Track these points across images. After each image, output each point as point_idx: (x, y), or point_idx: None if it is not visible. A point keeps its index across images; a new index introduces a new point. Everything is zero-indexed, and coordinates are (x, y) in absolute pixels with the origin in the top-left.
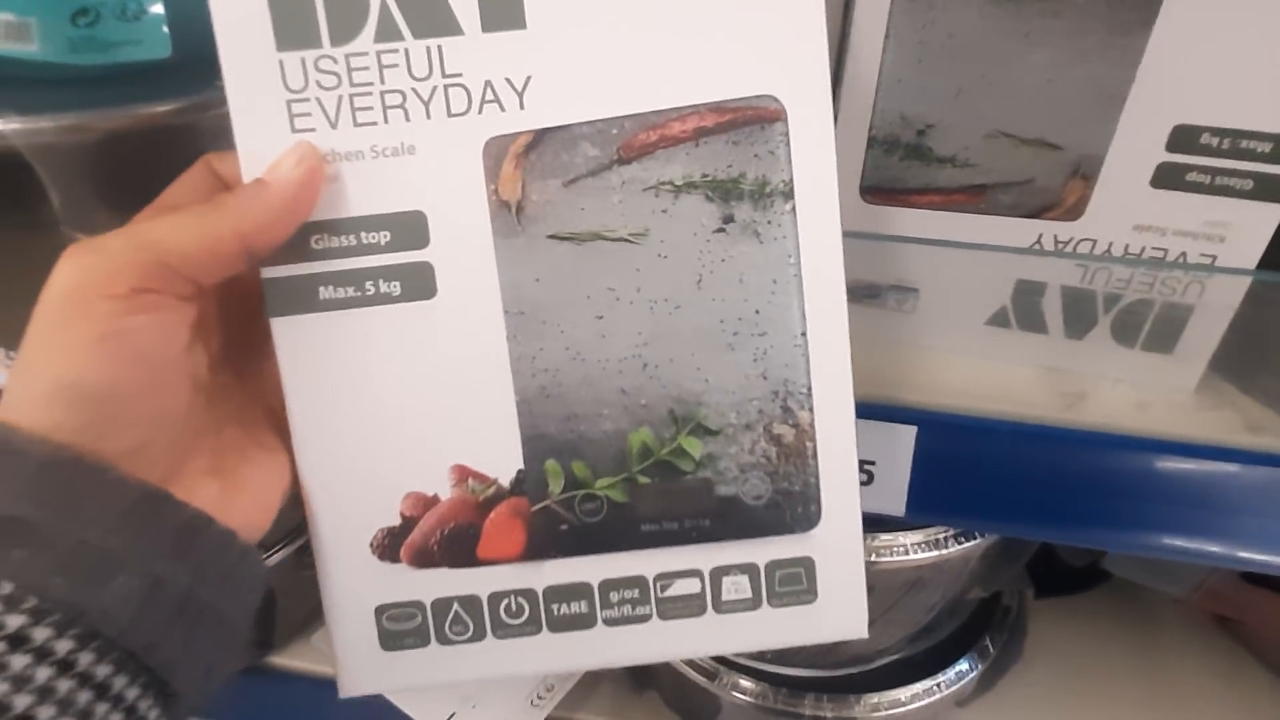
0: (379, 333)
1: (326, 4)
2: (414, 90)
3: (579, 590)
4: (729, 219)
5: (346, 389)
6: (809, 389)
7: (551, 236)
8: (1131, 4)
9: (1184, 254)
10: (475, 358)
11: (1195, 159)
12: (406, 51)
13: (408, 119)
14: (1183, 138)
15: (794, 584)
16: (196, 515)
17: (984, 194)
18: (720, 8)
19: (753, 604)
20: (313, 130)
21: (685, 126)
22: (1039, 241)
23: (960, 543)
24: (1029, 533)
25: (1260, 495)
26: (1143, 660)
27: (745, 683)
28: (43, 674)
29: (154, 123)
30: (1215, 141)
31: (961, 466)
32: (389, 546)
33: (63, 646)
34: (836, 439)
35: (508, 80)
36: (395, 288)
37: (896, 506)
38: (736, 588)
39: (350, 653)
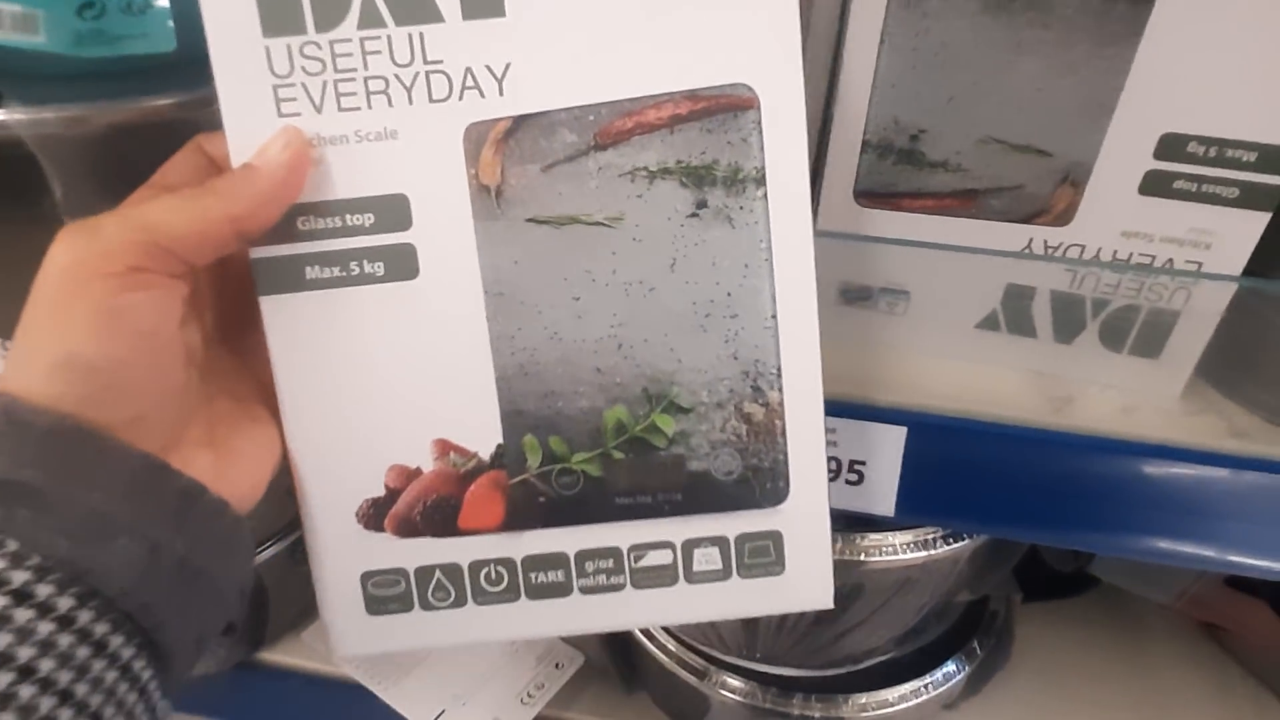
0: (363, 311)
1: None
2: (396, 76)
3: (556, 560)
4: (702, 204)
5: (332, 365)
6: (778, 370)
7: (530, 220)
8: (1120, 15)
9: (1170, 260)
10: (456, 336)
11: (1182, 167)
12: (389, 38)
13: (390, 104)
14: (1170, 146)
15: (763, 556)
16: (191, 484)
17: (975, 199)
18: None
19: (723, 575)
20: (298, 115)
21: (660, 114)
22: (1029, 246)
23: (949, 544)
24: (1016, 534)
25: (1243, 500)
26: (1128, 666)
27: (734, 682)
28: (45, 628)
29: (157, 116)
30: (1202, 150)
31: (951, 468)
32: (374, 516)
33: (64, 603)
34: (805, 418)
35: (488, 67)
36: (379, 268)
37: (886, 507)
38: (707, 559)
39: (338, 617)
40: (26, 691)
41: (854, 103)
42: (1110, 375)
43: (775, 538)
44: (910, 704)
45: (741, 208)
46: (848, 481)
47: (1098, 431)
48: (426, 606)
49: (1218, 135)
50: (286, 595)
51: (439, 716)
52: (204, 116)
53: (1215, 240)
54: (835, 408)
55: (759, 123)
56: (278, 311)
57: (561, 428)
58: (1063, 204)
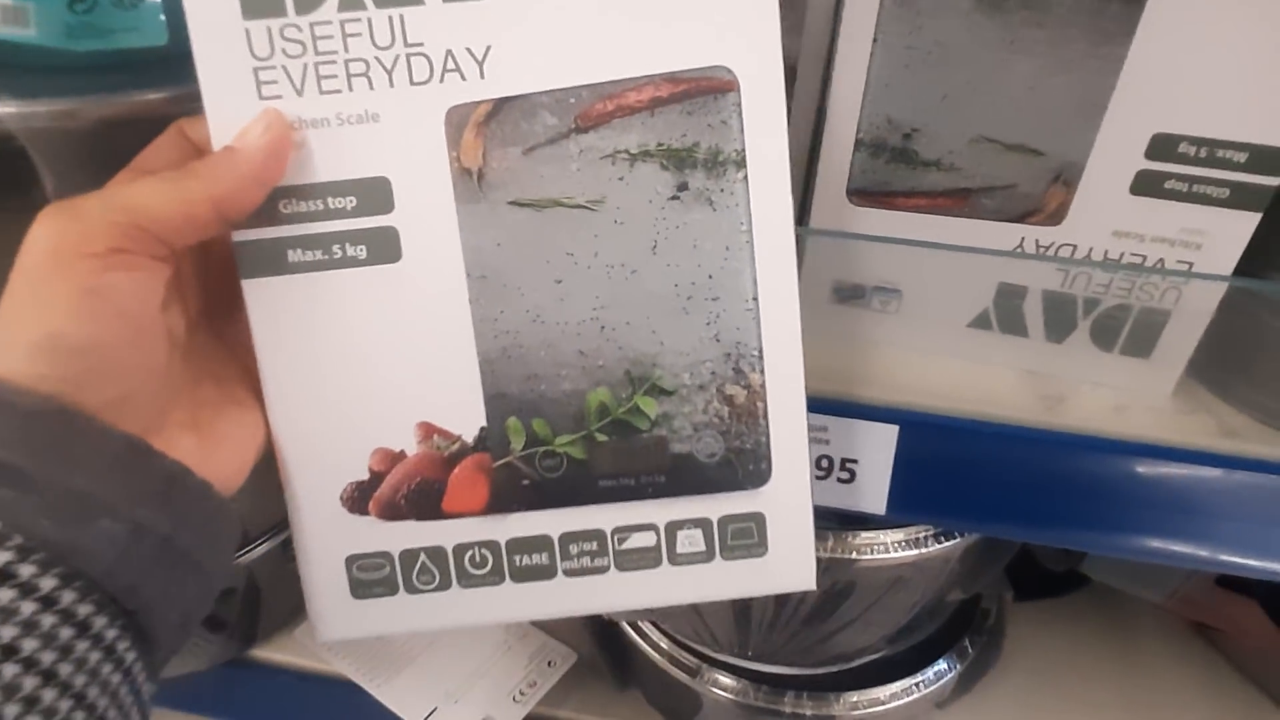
0: (346, 294)
1: None
2: (377, 59)
3: (540, 542)
4: (683, 187)
5: (315, 348)
6: (760, 351)
7: (512, 203)
8: (1113, 15)
9: (1161, 260)
10: (439, 319)
11: (1173, 167)
12: (369, 21)
13: (371, 87)
14: (1161, 146)
15: (745, 538)
16: (175, 466)
17: (968, 198)
18: None
19: (706, 556)
20: (279, 98)
21: (641, 96)
22: (1021, 246)
23: (941, 542)
24: (1008, 532)
25: (1234, 499)
26: (1120, 665)
27: (726, 679)
28: (28, 608)
29: (149, 110)
30: (1193, 150)
31: (942, 466)
32: (358, 500)
33: (46, 584)
34: (786, 400)
35: (468, 50)
36: (361, 251)
37: (878, 505)
38: (690, 541)
39: (323, 601)
40: (10, 671)
41: (847, 101)
42: (1102, 374)
43: (758, 519)
44: (902, 702)
45: (722, 190)
46: (839, 480)
47: (1089, 430)
48: (411, 590)
49: (1209, 136)
50: (279, 592)
51: (431, 714)
52: (195, 110)
53: (1206, 240)
54: (827, 406)
55: (739, 105)
56: (260, 295)
57: (545, 410)
58: (1055, 203)
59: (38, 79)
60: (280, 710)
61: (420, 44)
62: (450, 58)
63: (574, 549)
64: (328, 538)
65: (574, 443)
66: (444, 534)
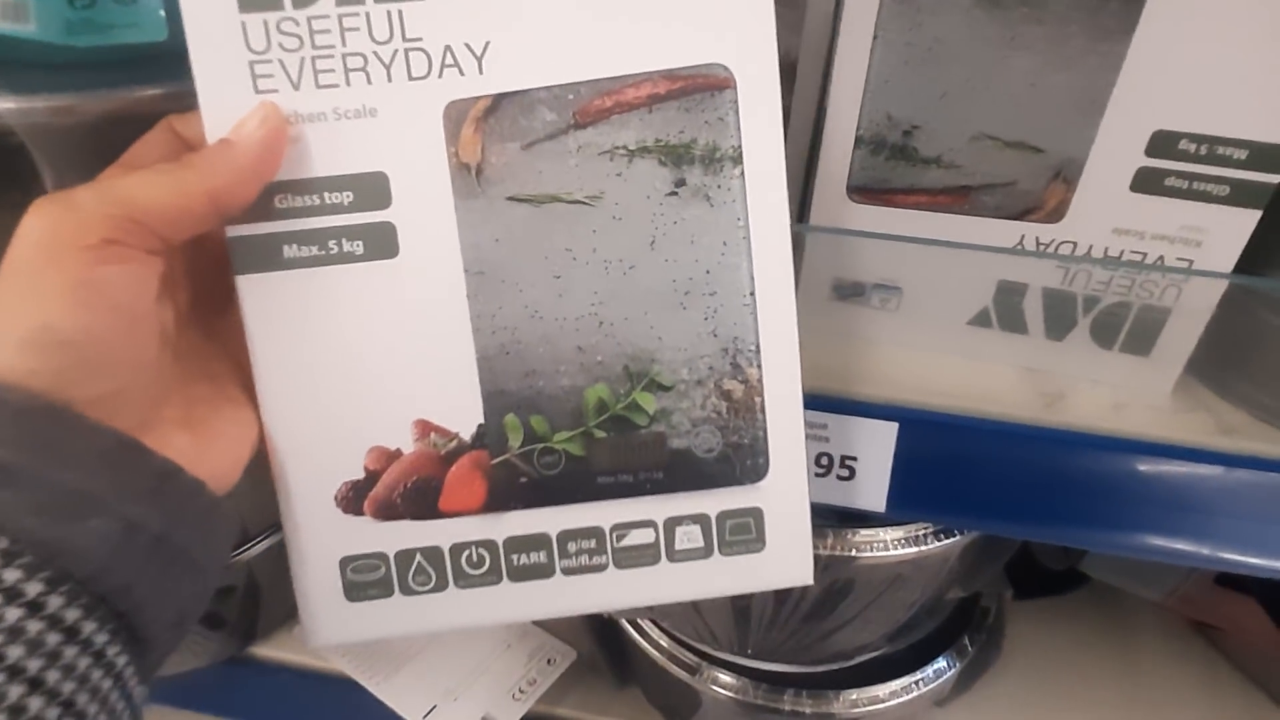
0: (342, 291)
1: None
2: (375, 53)
3: (538, 541)
4: (681, 183)
5: (310, 345)
6: (757, 346)
7: (510, 198)
8: (1113, 11)
9: (1161, 258)
10: (437, 316)
11: (1174, 164)
12: (367, 15)
13: (369, 82)
14: (1162, 143)
15: (743, 533)
16: (167, 463)
17: (968, 195)
18: None
19: (704, 553)
20: (275, 91)
21: (639, 93)
22: (1021, 243)
23: (940, 540)
24: (1007, 530)
25: (1233, 497)
26: (1119, 663)
27: (725, 677)
28: (13, 614)
29: (149, 106)
30: (1193, 147)
31: (942, 464)
32: (353, 499)
33: (33, 588)
34: (783, 394)
35: (467, 45)
36: (358, 247)
37: (877, 502)
38: (689, 537)
39: (316, 604)
40: None
41: (847, 98)
42: (1101, 372)
43: (755, 514)
44: (901, 700)
45: (719, 186)
46: (839, 477)
47: (1089, 428)
48: (407, 591)
49: (1209, 133)
50: (279, 589)
51: (430, 712)
52: (196, 107)
53: (1206, 238)
54: (827, 403)
55: (736, 103)
56: (255, 291)
57: (543, 407)
58: (1055, 201)
59: (37, 74)
60: (280, 708)
61: (419, 39)
62: (449, 53)
63: (572, 547)
64: (321, 539)
65: (572, 439)
66: (441, 533)
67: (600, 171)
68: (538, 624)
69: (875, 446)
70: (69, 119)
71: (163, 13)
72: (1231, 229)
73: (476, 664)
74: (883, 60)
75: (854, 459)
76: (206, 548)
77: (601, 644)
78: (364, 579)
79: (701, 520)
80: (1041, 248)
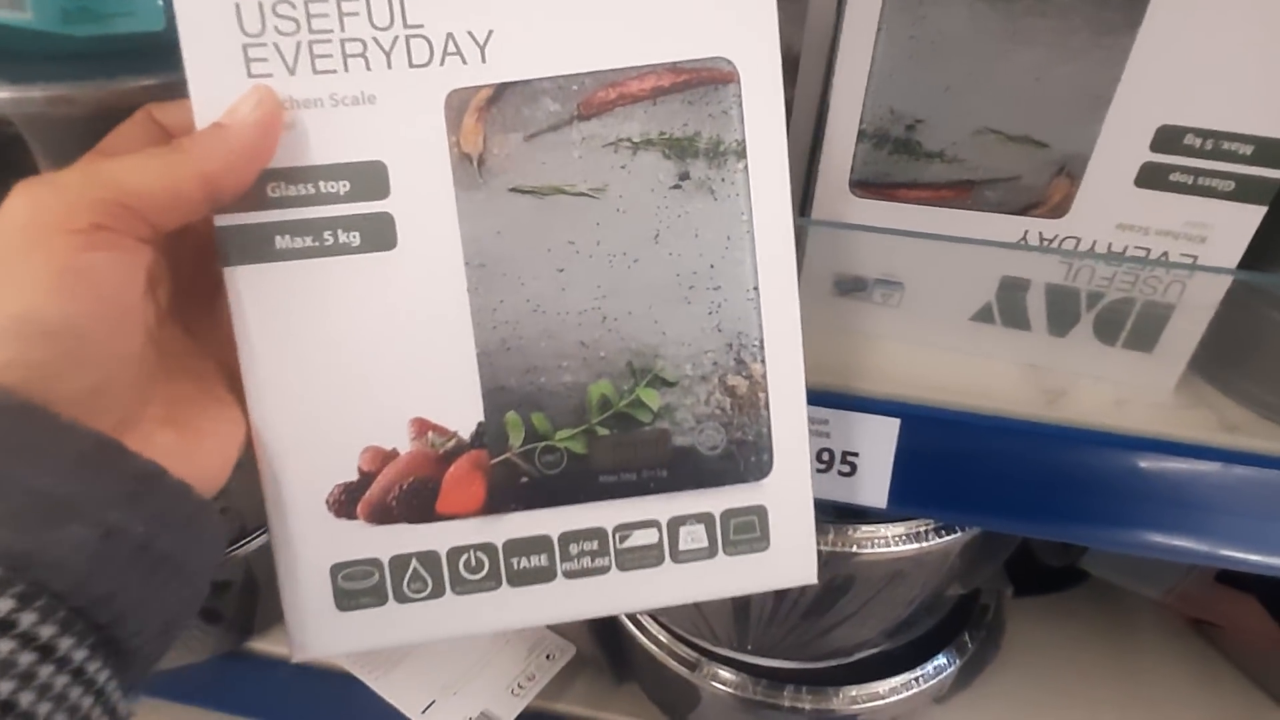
0: (337, 283)
1: None
2: (375, 39)
3: (539, 543)
4: (685, 176)
5: (303, 340)
6: (761, 341)
7: (513, 190)
8: (1118, 5)
9: (1166, 253)
10: (436, 310)
11: (1179, 159)
12: (367, 0)
13: (368, 68)
14: (1167, 138)
15: (748, 532)
16: (149, 465)
17: (971, 190)
18: None
19: (709, 553)
20: (270, 76)
21: (643, 85)
22: (1024, 238)
23: (941, 536)
24: (1009, 526)
25: (1235, 494)
26: (1117, 661)
27: (725, 673)
28: None
29: (146, 96)
30: (1198, 142)
31: (943, 460)
32: (346, 503)
33: (3, 606)
34: (787, 390)
35: (469, 33)
36: (354, 238)
37: (878, 498)
38: (693, 537)
39: (304, 614)
40: None
41: (850, 92)
42: (1104, 368)
43: (760, 512)
44: (901, 696)
45: (723, 180)
46: (840, 473)
47: (1090, 425)
48: (402, 599)
49: (1215, 128)
50: (276, 585)
51: (429, 707)
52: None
53: (1211, 233)
54: (828, 399)
55: (739, 96)
56: (245, 283)
57: (544, 404)
58: (1059, 196)
59: (34, 64)
60: (277, 702)
61: (420, 25)
62: (451, 40)
63: (574, 549)
64: (311, 545)
65: (574, 437)
66: (438, 537)
67: (604, 164)
68: None
69: (877, 442)
70: (66, 109)
71: (160, 2)
72: (1236, 225)
73: (475, 659)
74: (886, 54)
75: (855, 455)
76: (193, 553)
77: (600, 640)
78: (356, 586)
79: (706, 519)
80: (1045, 243)
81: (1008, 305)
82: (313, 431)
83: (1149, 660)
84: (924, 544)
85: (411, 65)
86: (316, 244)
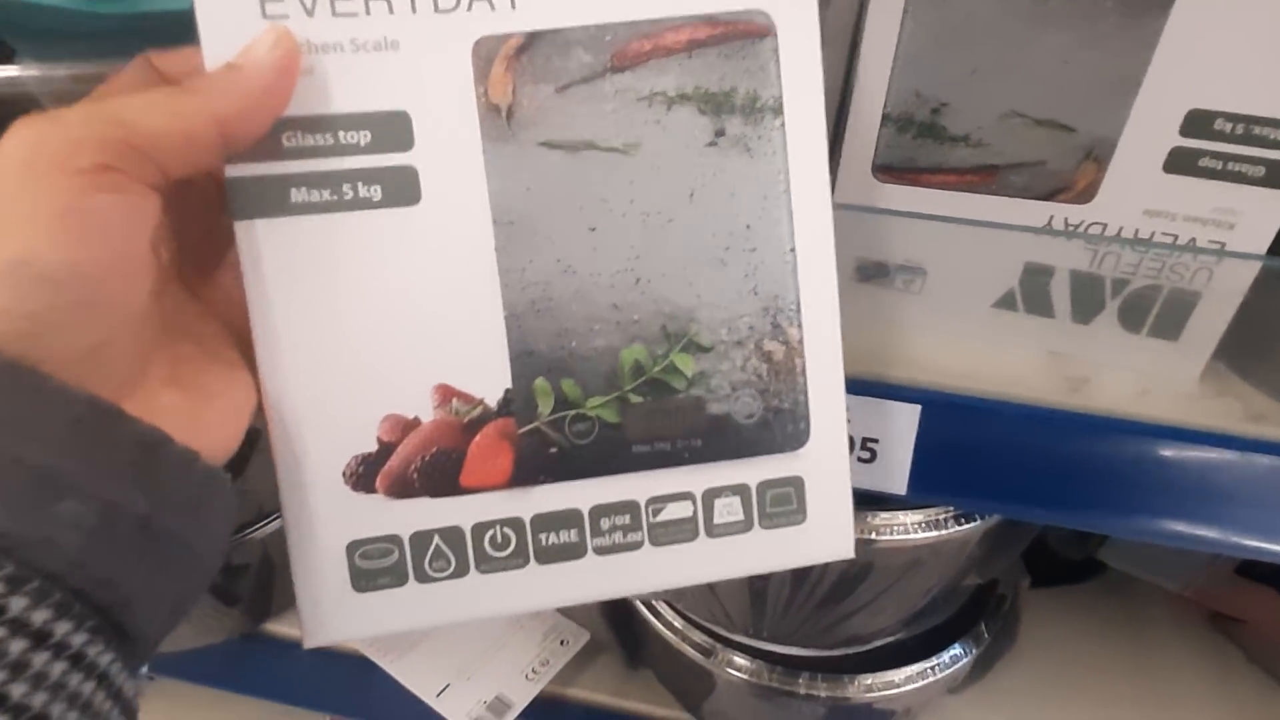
0: (356, 240)
1: None
2: None
3: (568, 518)
4: (721, 133)
5: (318, 300)
6: (798, 305)
7: (543, 144)
8: None
9: (1193, 240)
10: (461, 269)
11: (1208, 144)
12: None
13: (391, 11)
14: (1196, 123)
15: (784, 504)
16: (152, 432)
17: (996, 175)
18: None
19: (744, 526)
20: (286, 17)
21: (678, 37)
22: (1049, 224)
23: (960, 524)
24: (1029, 515)
25: (1259, 485)
26: (1133, 655)
27: (740, 660)
28: None
29: None
30: (1229, 127)
31: (964, 447)
32: (364, 475)
33: None
34: (824, 356)
35: None
36: (375, 192)
37: (898, 485)
38: (729, 509)
39: (318, 596)
40: None
41: (875, 75)
42: (1128, 357)
43: (797, 484)
44: (916, 685)
45: (760, 137)
46: (860, 459)
47: (1113, 413)
48: (423, 579)
49: (1246, 112)
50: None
51: (444, 691)
52: None
53: (1240, 220)
54: (849, 384)
55: (776, 51)
56: (256, 238)
57: (575, 370)
58: (1085, 181)
59: (62, 42)
60: (293, 685)
61: None
62: None
63: (605, 523)
64: (327, 521)
65: (606, 405)
66: (462, 512)
67: (638, 118)
68: None
69: (897, 429)
70: (93, 88)
71: None
72: (1266, 211)
73: (490, 644)
74: (912, 36)
75: (875, 441)
76: (202, 528)
77: (615, 626)
78: (374, 566)
79: (741, 491)
80: (1070, 229)
81: (1031, 292)
82: (328, 399)
83: (1165, 654)
84: (943, 532)
85: (437, 10)
86: (335, 198)
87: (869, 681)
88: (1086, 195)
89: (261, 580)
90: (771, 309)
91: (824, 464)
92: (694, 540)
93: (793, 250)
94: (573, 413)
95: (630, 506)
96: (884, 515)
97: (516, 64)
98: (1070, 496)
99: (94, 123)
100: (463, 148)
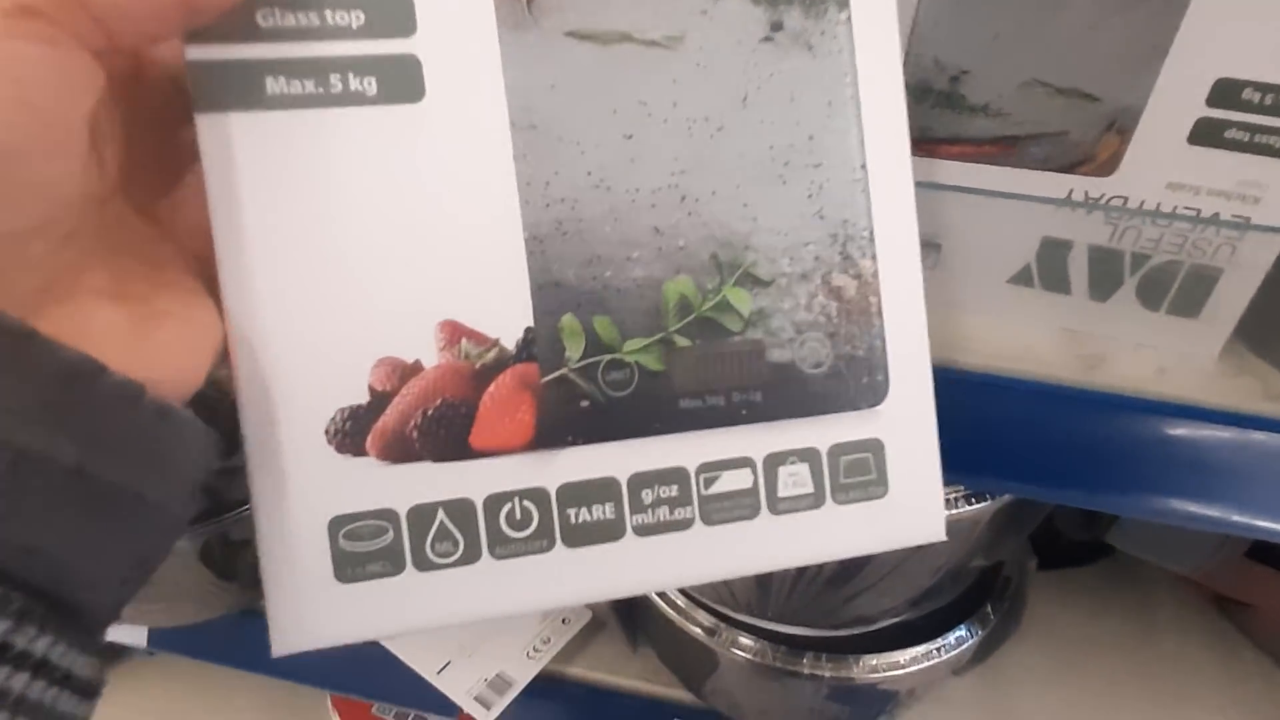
0: (346, 142)
1: None
2: None
3: (603, 489)
4: (777, 26)
5: (298, 215)
6: (871, 233)
7: (570, 34)
8: None
9: (1217, 214)
10: (473, 181)
11: (1236, 115)
12: None
13: None
14: (1224, 92)
15: (861, 473)
16: (80, 361)
17: (1016, 146)
18: None
19: (814, 500)
20: None
21: None
22: (1069, 197)
23: (970, 504)
24: (1043, 494)
25: (1277, 465)
26: (1138, 638)
27: (745, 639)
28: None
29: None
30: (1257, 97)
31: (977, 425)
32: (351, 434)
33: None
34: (903, 293)
35: None
36: (370, 85)
37: None
38: (795, 480)
39: (291, 588)
40: None
41: None
42: (1146, 334)
43: (875, 448)
44: (921, 666)
45: (823, 33)
46: None
47: (1130, 391)
48: (424, 565)
49: (1276, 82)
50: None
51: (445, 667)
52: None
53: (1266, 194)
54: None
55: None
56: (222, 135)
57: (610, 305)
58: (1107, 153)
59: None
60: (293, 661)
61: None
62: None
63: (648, 496)
64: (304, 491)
65: (648, 349)
66: (472, 480)
67: (682, 6)
68: None
69: None
70: None
71: None
72: None
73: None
74: (932, 1)
75: None
76: (156, 476)
77: (617, 604)
78: (363, 548)
79: (809, 457)
80: (1090, 202)
81: (1048, 267)
82: (308, 337)
83: (1171, 639)
84: (953, 511)
85: None
86: (320, 91)
87: (874, 662)
88: (1108, 167)
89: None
90: (840, 236)
91: (907, 424)
92: (754, 518)
93: (863, 167)
94: (607, 358)
95: (678, 475)
96: None
97: None
98: (1085, 476)
99: None
100: (475, 35)
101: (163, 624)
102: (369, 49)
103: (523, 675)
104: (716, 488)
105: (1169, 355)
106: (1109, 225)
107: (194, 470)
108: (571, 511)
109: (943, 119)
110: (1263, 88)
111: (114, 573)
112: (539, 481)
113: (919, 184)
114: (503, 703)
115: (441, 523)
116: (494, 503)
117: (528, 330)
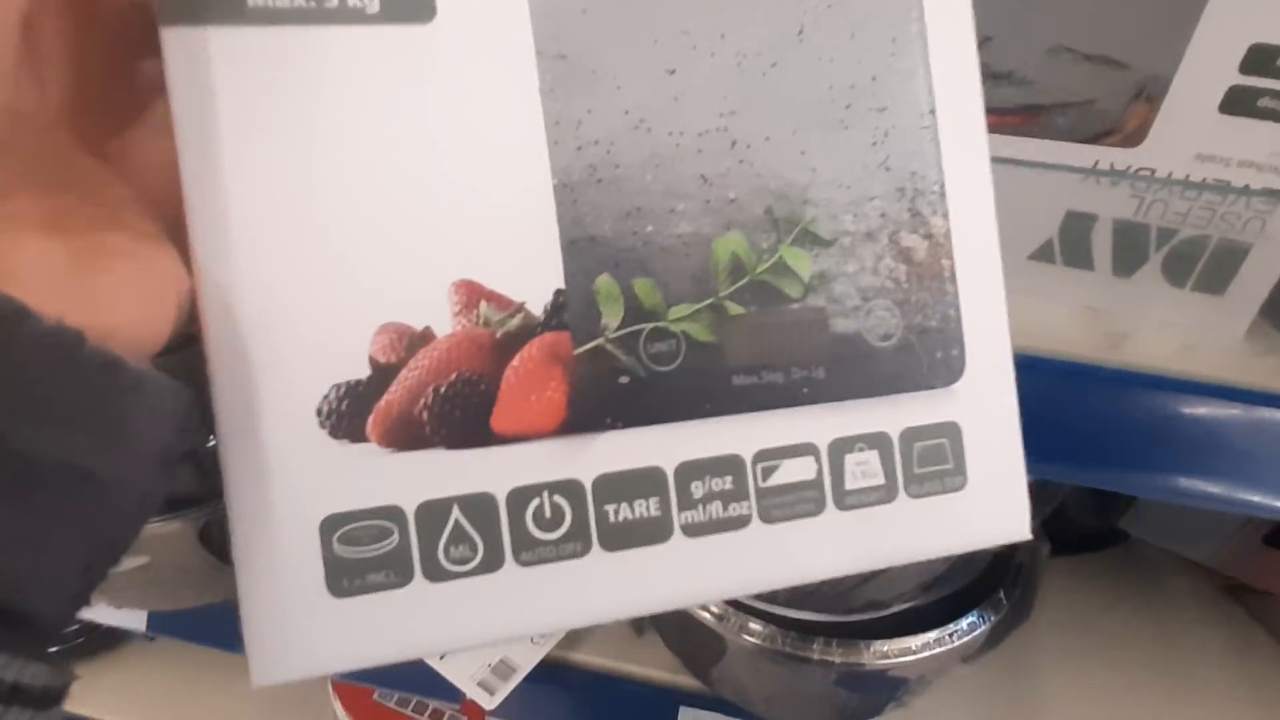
0: (342, 67)
1: None
2: None
3: (646, 481)
4: None
5: (284, 153)
6: (942, 187)
7: None
8: None
9: (1247, 186)
10: (493, 117)
11: (1270, 83)
12: None
13: None
14: (1258, 59)
15: (937, 461)
16: (3, 303)
17: (1040, 115)
18: None
19: (886, 493)
20: None
21: None
22: (1094, 169)
23: None
24: (1064, 474)
25: None
26: (1151, 625)
27: (754, 625)
28: None
29: None
30: None
31: None
32: (349, 415)
33: None
34: (979, 256)
35: None
36: (371, 2)
37: None
38: (864, 469)
39: (274, 606)
40: None
41: None
42: (1171, 311)
43: (952, 432)
44: (933, 652)
45: None
46: None
47: (1154, 370)
48: (436, 574)
49: None
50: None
51: (447, 653)
52: None
53: None
54: None
55: None
56: (194, 54)
57: (652, 265)
58: (1135, 122)
59: None
60: None
61: None
62: None
63: (698, 489)
64: (291, 485)
65: (696, 316)
66: (493, 471)
67: None
68: None
69: None
70: None
71: None
72: None
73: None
74: None
75: None
76: (104, 443)
77: None
78: (363, 554)
79: (879, 443)
80: (1117, 174)
81: (1071, 242)
82: (295, 299)
83: (1184, 626)
84: None
85: None
86: (312, 4)
87: (884, 648)
88: (1136, 138)
89: None
90: (909, 190)
91: (985, 405)
92: (820, 514)
93: (932, 112)
94: (650, 326)
95: (732, 464)
96: None
97: None
98: (1107, 456)
99: None
100: None
101: (163, 608)
102: None
103: (527, 661)
104: (776, 479)
105: (1194, 333)
106: (1135, 198)
107: (161, 435)
108: (610, 508)
109: None
110: None
111: (67, 565)
112: (572, 473)
113: None
114: (506, 688)
115: (457, 522)
116: (519, 498)
117: (558, 293)
